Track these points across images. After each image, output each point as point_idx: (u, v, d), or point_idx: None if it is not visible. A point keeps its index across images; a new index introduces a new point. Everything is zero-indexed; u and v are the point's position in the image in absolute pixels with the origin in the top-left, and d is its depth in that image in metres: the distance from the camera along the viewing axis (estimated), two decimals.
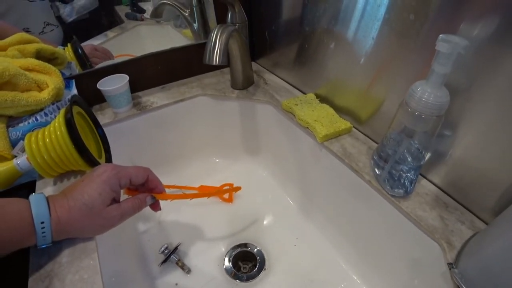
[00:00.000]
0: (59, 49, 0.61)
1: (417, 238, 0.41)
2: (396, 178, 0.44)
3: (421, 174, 0.46)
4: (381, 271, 0.49)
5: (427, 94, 0.36)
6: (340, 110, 0.56)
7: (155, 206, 0.44)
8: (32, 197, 0.35)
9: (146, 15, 0.75)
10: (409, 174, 0.43)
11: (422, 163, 0.43)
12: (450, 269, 0.34)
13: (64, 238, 0.37)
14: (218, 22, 0.69)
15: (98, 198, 0.35)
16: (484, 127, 0.37)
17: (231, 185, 0.67)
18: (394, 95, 0.46)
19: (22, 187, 0.51)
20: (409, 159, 0.43)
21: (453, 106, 0.38)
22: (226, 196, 0.67)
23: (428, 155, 0.44)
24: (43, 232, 0.33)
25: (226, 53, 0.50)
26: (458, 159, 0.41)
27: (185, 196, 0.46)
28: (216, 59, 0.50)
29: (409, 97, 0.38)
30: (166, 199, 0.43)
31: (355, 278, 0.52)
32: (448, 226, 0.39)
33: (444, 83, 0.36)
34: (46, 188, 0.47)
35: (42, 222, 0.33)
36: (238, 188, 0.62)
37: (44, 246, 0.35)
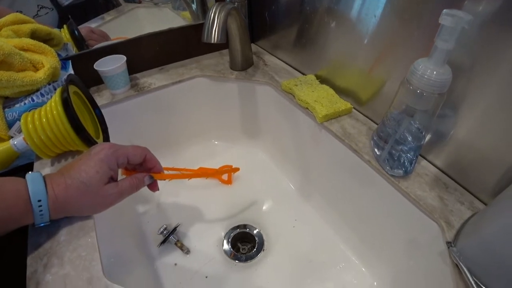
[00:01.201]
0: (55, 30, 0.60)
1: (416, 218, 0.41)
2: (395, 158, 0.43)
3: (421, 155, 0.46)
4: (379, 251, 0.49)
5: (429, 71, 0.36)
6: (340, 91, 0.55)
7: (153, 186, 0.44)
8: (29, 175, 0.34)
9: None
10: (409, 155, 0.43)
11: (422, 143, 0.42)
12: (448, 248, 0.34)
13: (62, 217, 0.37)
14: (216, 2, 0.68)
15: (96, 176, 0.35)
16: (486, 107, 0.36)
17: (229, 166, 0.67)
18: (396, 75, 0.45)
19: (20, 169, 0.51)
20: (409, 139, 0.42)
21: (455, 85, 0.37)
22: (225, 178, 0.67)
23: (428, 135, 0.43)
24: (40, 211, 0.33)
25: (225, 31, 0.49)
26: (459, 140, 0.40)
27: (183, 176, 0.46)
28: (214, 37, 0.48)
29: (410, 75, 0.38)
30: (164, 179, 0.43)
31: (353, 259, 0.52)
32: (448, 206, 0.39)
33: (447, 60, 0.36)
34: (43, 169, 0.46)
35: (39, 200, 0.33)
36: (237, 169, 0.61)
37: (42, 224, 0.35)
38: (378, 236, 0.49)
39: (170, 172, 0.62)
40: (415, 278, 0.42)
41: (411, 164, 0.43)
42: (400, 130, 0.42)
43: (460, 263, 0.32)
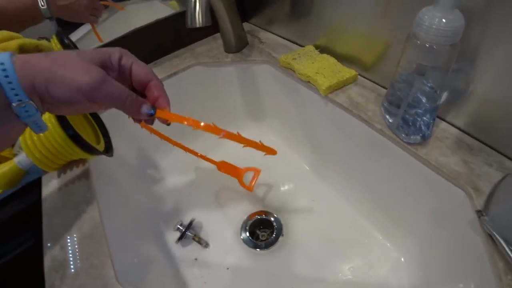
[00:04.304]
0: (43, 41, 0.58)
1: (440, 186, 0.37)
2: (410, 124, 0.39)
3: (438, 117, 0.41)
4: (402, 224, 0.46)
5: (437, 19, 0.31)
6: (343, 59, 0.51)
7: (148, 121, 0.34)
8: None
9: None
10: (425, 118, 0.39)
11: (438, 103, 0.38)
12: (479, 217, 0.31)
13: (36, 78, 0.26)
14: None
15: (88, 52, 0.28)
16: (507, 54, 0.31)
17: (255, 170, 0.59)
18: (402, 31, 0.40)
19: (33, 184, 0.51)
20: (423, 100, 0.38)
21: (469, 34, 0.33)
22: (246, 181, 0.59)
23: (444, 95, 0.39)
24: (3, 69, 0.25)
25: (209, 12, 0.46)
26: (480, 95, 0.36)
27: (192, 123, 0.33)
28: (198, 20, 0.45)
29: (416, 27, 0.33)
30: (166, 118, 0.32)
31: (376, 234, 0.49)
32: (474, 170, 0.35)
33: (456, 5, 0.31)
34: (51, 182, 0.47)
35: (2, 64, 0.24)
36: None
37: (20, 102, 0.25)
38: (400, 209, 0.45)
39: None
40: (444, 250, 0.39)
41: (428, 128, 0.39)
42: (412, 92, 0.37)
43: (494, 233, 0.29)
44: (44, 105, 0.27)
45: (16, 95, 0.25)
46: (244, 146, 0.39)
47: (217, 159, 0.61)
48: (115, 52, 0.29)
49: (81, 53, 0.28)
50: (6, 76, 0.24)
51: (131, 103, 0.29)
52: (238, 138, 0.37)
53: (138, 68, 0.30)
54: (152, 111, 0.31)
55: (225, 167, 0.59)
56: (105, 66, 0.29)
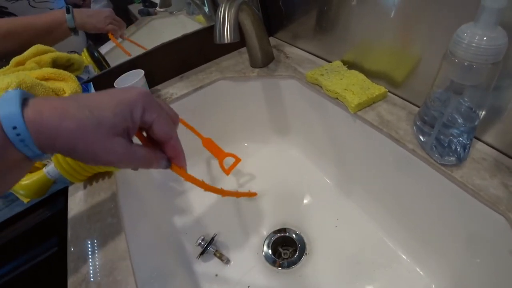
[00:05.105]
0: (74, 55, 0.61)
1: (477, 211, 0.35)
2: (445, 144, 0.38)
3: (475, 137, 0.39)
4: (434, 249, 0.43)
5: (478, 37, 0.30)
6: (371, 75, 0.50)
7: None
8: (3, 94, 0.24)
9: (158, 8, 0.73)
10: (461, 138, 0.37)
11: (476, 123, 0.36)
12: None
13: (56, 142, 0.25)
14: None
15: (110, 119, 0.25)
16: None
17: (236, 158, 0.62)
18: (434, 47, 0.39)
19: (60, 193, 0.52)
20: (459, 121, 0.36)
21: (511, 50, 0.31)
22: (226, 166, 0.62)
23: (482, 114, 0.37)
24: (21, 140, 0.23)
25: (237, 29, 0.46)
26: None
27: (201, 185, 0.39)
28: (227, 36, 0.46)
29: (454, 45, 0.32)
30: (181, 176, 0.35)
31: (404, 257, 0.47)
32: None
33: (498, 21, 0.29)
34: (77, 193, 0.47)
35: (15, 128, 0.23)
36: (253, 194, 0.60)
37: (38, 155, 0.25)
38: (431, 232, 0.43)
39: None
40: (479, 280, 0.36)
41: (464, 150, 0.37)
42: (447, 111, 0.36)
43: None
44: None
45: (34, 152, 0.24)
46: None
47: (243, 178, 0.63)
48: (138, 107, 0.27)
49: (102, 116, 0.25)
50: (22, 141, 0.23)
51: (151, 164, 0.30)
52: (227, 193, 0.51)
53: (159, 127, 0.29)
54: (167, 166, 0.32)
55: (209, 144, 0.61)
56: (126, 129, 0.27)
